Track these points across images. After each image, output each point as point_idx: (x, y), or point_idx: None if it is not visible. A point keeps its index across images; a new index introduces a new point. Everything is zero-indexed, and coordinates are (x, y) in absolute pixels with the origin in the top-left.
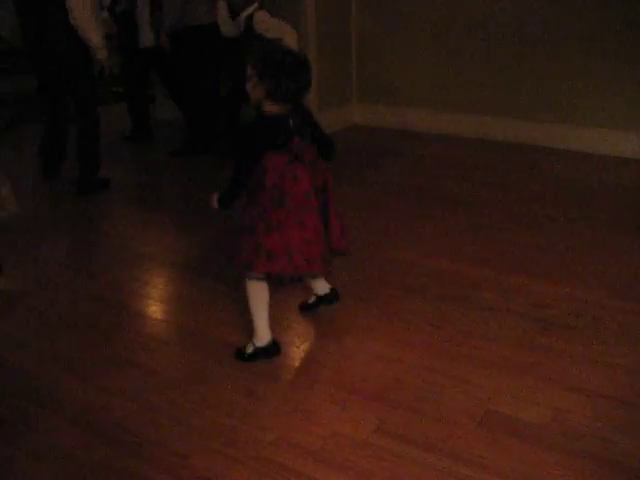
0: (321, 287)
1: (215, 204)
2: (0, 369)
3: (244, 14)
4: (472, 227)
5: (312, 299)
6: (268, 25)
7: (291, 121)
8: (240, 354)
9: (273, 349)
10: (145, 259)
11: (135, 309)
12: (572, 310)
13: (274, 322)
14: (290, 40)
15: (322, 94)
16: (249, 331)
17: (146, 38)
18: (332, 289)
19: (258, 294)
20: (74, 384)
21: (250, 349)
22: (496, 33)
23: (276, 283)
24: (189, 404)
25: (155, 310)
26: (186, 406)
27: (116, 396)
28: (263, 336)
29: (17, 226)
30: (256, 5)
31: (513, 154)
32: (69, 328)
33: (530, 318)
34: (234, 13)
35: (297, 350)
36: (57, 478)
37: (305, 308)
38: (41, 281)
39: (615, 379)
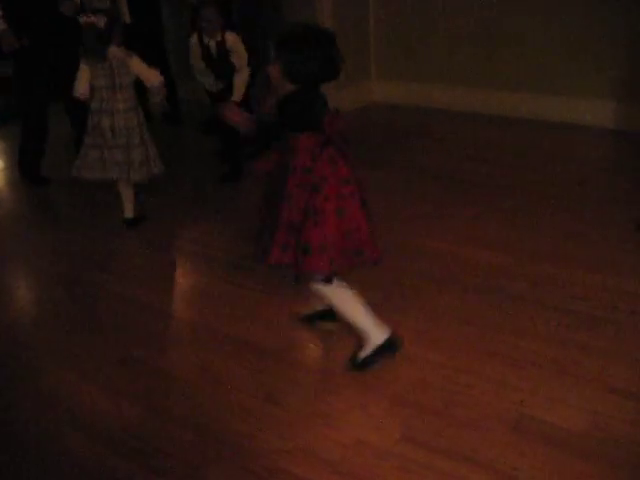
0: (378, 332)
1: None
2: (5, 368)
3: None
4: (502, 212)
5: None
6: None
7: (325, 99)
8: (358, 361)
9: (393, 344)
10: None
11: (153, 305)
12: (608, 302)
13: (288, 322)
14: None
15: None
16: (271, 329)
17: None
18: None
19: (344, 295)
20: (83, 387)
21: (367, 351)
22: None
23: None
24: (204, 408)
25: (172, 306)
26: (200, 410)
27: (126, 399)
28: (378, 333)
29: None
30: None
31: (539, 131)
32: (84, 326)
33: (563, 311)
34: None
35: (316, 349)
36: None
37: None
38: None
39: None
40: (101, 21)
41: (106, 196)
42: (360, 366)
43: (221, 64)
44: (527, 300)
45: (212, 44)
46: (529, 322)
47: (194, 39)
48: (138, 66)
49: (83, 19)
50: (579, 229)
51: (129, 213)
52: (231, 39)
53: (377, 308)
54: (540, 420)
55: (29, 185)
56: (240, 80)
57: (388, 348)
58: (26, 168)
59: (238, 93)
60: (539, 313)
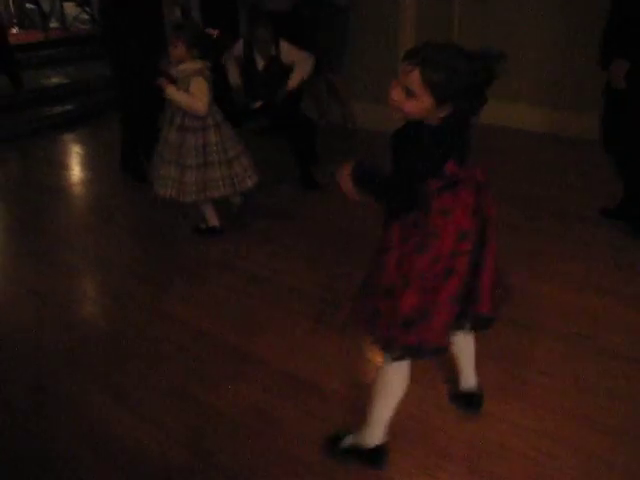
0: (379, 433)
1: (347, 183)
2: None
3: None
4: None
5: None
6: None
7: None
8: (332, 444)
9: (379, 456)
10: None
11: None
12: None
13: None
14: (306, 65)
15: None
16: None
17: None
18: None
19: (396, 383)
20: (127, 417)
21: (347, 442)
22: None
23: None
24: (248, 454)
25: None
26: (243, 456)
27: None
28: (375, 435)
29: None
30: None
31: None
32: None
33: None
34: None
35: None
36: None
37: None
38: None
39: None
40: None
41: None
42: (331, 452)
43: (267, 80)
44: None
45: (259, 61)
46: (622, 380)
47: (232, 55)
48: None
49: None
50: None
51: (214, 222)
52: (285, 46)
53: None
54: None
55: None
56: (302, 69)
57: (369, 456)
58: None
59: (295, 80)
60: (633, 371)
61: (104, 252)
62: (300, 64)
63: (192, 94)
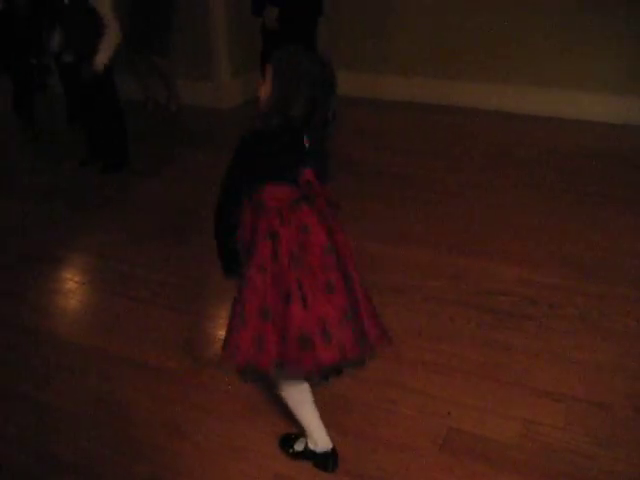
0: (320, 438)
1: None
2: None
3: None
4: (415, 203)
5: (301, 446)
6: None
7: (306, 142)
8: (285, 444)
9: (327, 460)
10: None
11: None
12: (527, 296)
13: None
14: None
15: None
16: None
17: None
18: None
19: (298, 396)
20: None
21: (300, 447)
22: None
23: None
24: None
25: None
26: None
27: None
28: (319, 440)
29: None
30: None
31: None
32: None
33: (483, 308)
34: None
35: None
36: None
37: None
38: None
39: (586, 378)
40: None
41: None
42: (284, 452)
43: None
44: (445, 299)
45: None
46: (449, 323)
47: None
48: None
49: None
50: (497, 217)
51: None
52: None
53: None
54: (469, 434)
55: None
56: (109, 44)
57: (319, 459)
58: None
59: (103, 57)
60: (458, 312)
61: None
62: (110, 36)
63: None
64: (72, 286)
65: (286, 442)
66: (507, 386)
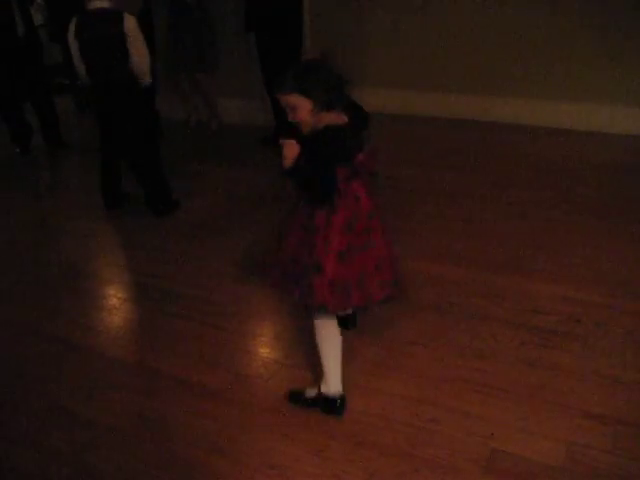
0: (334, 383)
1: (293, 150)
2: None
3: None
4: (455, 221)
5: (312, 393)
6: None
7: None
8: (296, 396)
9: (338, 404)
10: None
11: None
12: (571, 315)
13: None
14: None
15: None
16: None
17: None
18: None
19: (331, 336)
20: None
21: (312, 393)
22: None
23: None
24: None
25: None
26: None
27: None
28: (332, 385)
29: None
30: None
31: (491, 133)
32: None
33: (526, 327)
34: None
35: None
36: None
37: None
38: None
39: (634, 400)
40: None
41: None
42: (295, 403)
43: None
44: (488, 317)
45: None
46: (492, 341)
47: None
48: None
49: None
50: (536, 237)
51: None
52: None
53: None
54: (513, 455)
55: None
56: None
57: (327, 404)
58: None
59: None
60: (501, 330)
61: None
62: (142, 60)
63: None
64: (115, 302)
65: (296, 395)
66: (552, 407)
